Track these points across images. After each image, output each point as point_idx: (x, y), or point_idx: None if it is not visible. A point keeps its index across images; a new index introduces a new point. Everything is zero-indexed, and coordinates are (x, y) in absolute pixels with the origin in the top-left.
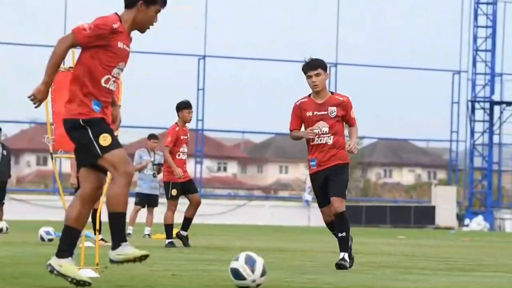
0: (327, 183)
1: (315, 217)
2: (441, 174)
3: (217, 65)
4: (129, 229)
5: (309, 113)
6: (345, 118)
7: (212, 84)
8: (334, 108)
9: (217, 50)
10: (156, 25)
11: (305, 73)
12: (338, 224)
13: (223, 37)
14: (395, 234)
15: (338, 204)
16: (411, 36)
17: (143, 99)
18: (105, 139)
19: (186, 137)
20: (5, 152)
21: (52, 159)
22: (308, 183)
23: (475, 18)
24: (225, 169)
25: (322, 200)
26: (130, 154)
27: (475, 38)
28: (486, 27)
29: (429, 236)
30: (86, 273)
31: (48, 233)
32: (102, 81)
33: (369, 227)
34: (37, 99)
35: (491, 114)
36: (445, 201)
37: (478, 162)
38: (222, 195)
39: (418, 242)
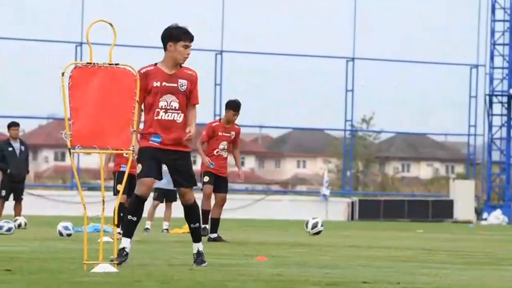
0: (172, 169)
1: (333, 212)
2: (459, 168)
3: (234, 60)
4: (148, 224)
5: (156, 83)
6: (191, 94)
7: (229, 79)
8: (184, 81)
9: (234, 45)
10: (173, 19)
11: (179, 40)
12: (191, 214)
13: (240, 32)
14: (413, 228)
15: (190, 196)
16: (428, 30)
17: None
18: None
19: (228, 134)
20: (23, 148)
21: (70, 154)
22: (326, 177)
23: (493, 12)
24: (242, 163)
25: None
26: None
27: (492, 32)
28: (504, 21)
29: (448, 230)
30: (104, 268)
31: (66, 228)
32: None
33: (387, 221)
34: None
35: (509, 108)
36: (463, 195)
37: (496, 156)
38: (240, 189)
39: (437, 236)
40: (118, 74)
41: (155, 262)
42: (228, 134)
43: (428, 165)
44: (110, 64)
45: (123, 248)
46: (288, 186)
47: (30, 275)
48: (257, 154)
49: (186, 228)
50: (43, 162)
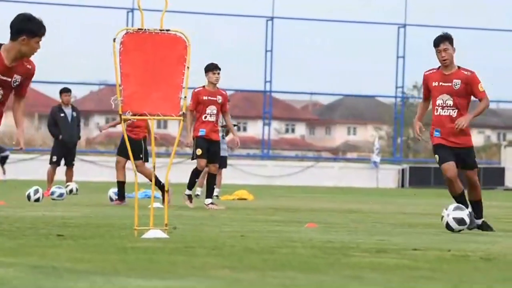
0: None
1: (383, 179)
2: (511, 135)
3: (285, 27)
4: (198, 191)
5: None
6: (21, 87)
7: (280, 46)
8: (19, 78)
9: (285, 11)
10: None
11: (35, 36)
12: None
13: None
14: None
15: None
16: None
17: (209, 60)
18: None
19: (214, 98)
20: (74, 114)
21: (120, 120)
22: (377, 144)
23: None
24: (293, 130)
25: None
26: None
27: None
28: None
29: (499, 197)
30: (155, 234)
31: (117, 194)
32: None
33: (438, 189)
34: None
35: None
36: None
37: None
38: (290, 156)
39: (488, 204)
40: (168, 40)
41: (206, 229)
42: (215, 98)
43: (479, 132)
44: (161, 30)
45: None
46: (339, 153)
47: (82, 240)
48: (307, 121)
49: (236, 194)
50: (95, 128)
